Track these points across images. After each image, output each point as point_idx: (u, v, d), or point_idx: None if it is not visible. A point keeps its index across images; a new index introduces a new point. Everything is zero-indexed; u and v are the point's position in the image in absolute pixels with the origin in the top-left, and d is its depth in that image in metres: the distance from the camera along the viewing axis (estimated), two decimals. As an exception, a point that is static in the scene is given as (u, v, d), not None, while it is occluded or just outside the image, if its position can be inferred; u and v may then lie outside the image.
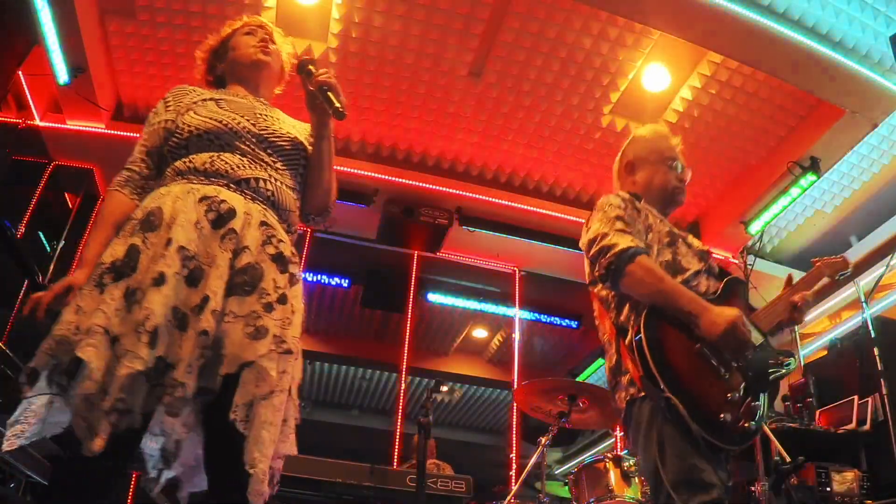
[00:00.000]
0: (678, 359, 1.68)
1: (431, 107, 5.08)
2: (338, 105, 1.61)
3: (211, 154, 1.58)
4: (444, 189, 5.45)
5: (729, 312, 1.69)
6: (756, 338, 1.76)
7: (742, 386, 1.70)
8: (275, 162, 1.65)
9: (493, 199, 5.54)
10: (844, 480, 3.66)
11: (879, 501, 3.59)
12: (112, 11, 4.46)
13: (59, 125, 4.92)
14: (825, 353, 5.34)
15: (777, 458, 3.35)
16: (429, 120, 5.19)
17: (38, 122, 4.88)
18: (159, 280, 1.35)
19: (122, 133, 4.99)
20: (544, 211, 5.59)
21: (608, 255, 1.79)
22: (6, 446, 1.27)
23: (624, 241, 1.80)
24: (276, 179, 1.62)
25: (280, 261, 1.51)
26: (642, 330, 1.71)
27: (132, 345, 1.29)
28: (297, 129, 1.77)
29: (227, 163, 1.57)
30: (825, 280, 2.03)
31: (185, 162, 1.59)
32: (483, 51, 4.67)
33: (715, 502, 1.58)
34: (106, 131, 4.97)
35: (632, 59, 4.64)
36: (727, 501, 1.63)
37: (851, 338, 4.80)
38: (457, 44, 4.60)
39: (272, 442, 1.37)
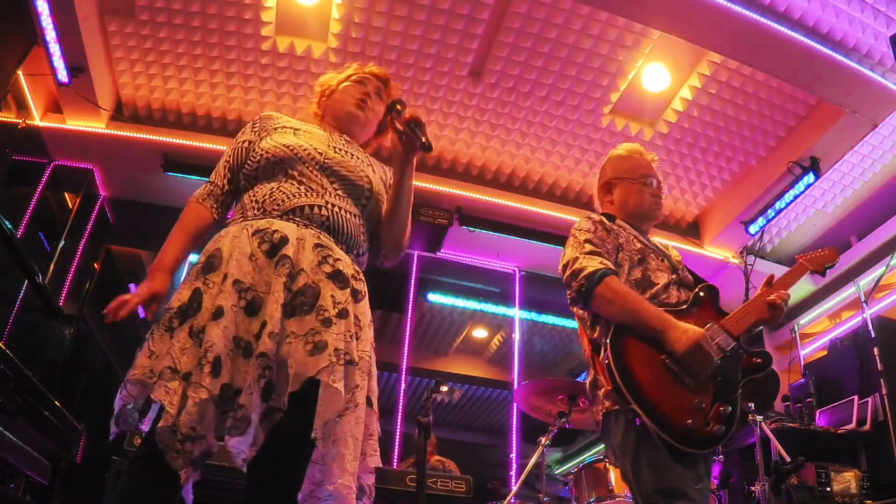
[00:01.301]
0: (644, 372, 1.76)
1: (431, 107, 5.09)
2: (424, 140, 1.71)
3: (272, 186, 1.65)
4: (444, 189, 5.45)
5: (693, 331, 1.77)
6: (726, 343, 1.82)
7: (711, 392, 1.76)
8: (336, 189, 1.70)
9: (493, 199, 5.54)
10: (844, 480, 3.67)
11: (879, 501, 3.59)
12: (112, 11, 4.46)
13: (59, 125, 4.92)
14: (825, 353, 5.34)
15: (777, 458, 3.35)
16: (429, 120, 5.19)
17: (37, 122, 4.88)
18: (217, 314, 1.44)
19: (121, 133, 4.99)
20: (544, 211, 5.59)
21: (578, 278, 1.89)
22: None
23: (592, 265, 1.89)
24: (332, 205, 1.66)
25: (338, 278, 1.56)
26: (608, 346, 1.79)
27: (197, 377, 1.38)
28: (374, 167, 1.84)
29: (284, 193, 1.64)
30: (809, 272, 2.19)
31: (249, 196, 1.67)
32: (483, 51, 4.68)
33: None
34: (106, 131, 4.96)
35: (632, 59, 4.64)
36: None
37: (851, 338, 4.81)
38: (457, 44, 4.60)
39: (354, 458, 1.44)
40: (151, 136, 5.00)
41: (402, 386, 5.92)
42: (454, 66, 4.76)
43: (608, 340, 1.80)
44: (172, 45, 4.66)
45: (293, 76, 4.88)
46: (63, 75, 4.40)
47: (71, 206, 5.32)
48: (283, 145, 1.71)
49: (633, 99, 4.95)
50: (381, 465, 1.56)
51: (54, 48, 4.22)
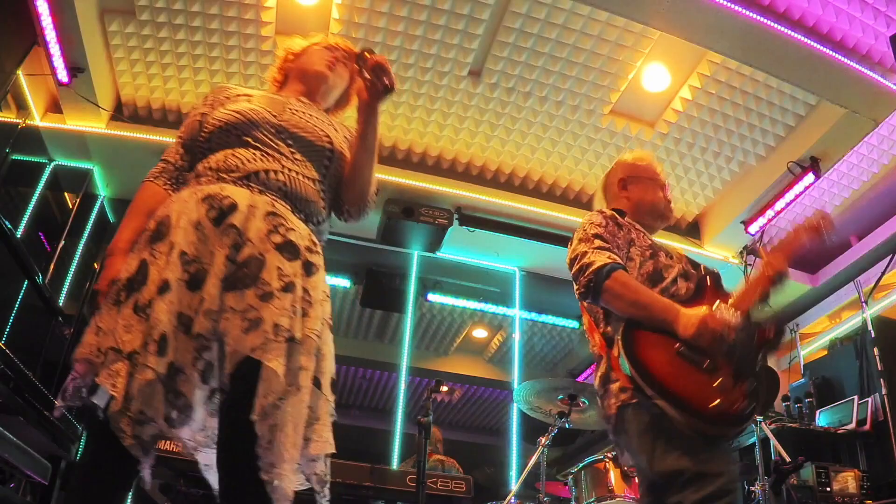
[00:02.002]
0: (661, 363, 1.75)
1: (431, 107, 5.08)
2: (388, 82, 1.68)
3: (226, 152, 1.60)
4: (444, 189, 5.45)
5: (697, 312, 1.77)
6: (735, 320, 1.82)
7: (730, 371, 1.75)
8: (293, 153, 1.64)
9: (493, 199, 5.53)
10: (844, 480, 3.66)
11: (879, 501, 3.59)
12: (112, 11, 4.46)
13: (59, 125, 4.92)
14: (825, 353, 5.35)
15: (777, 458, 3.35)
16: (429, 120, 5.19)
17: (37, 122, 4.88)
18: (164, 288, 1.37)
19: (122, 133, 4.99)
20: (544, 211, 5.58)
21: (587, 272, 1.88)
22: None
23: (601, 259, 1.88)
24: (290, 170, 1.61)
25: (288, 249, 1.47)
26: (620, 341, 1.78)
27: (142, 357, 1.31)
28: (335, 127, 1.79)
29: (238, 158, 1.58)
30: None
31: (203, 164, 1.62)
32: (483, 51, 4.68)
33: (722, 490, 1.60)
34: (106, 131, 4.96)
35: (632, 59, 4.64)
36: (735, 488, 1.64)
37: (851, 338, 4.81)
38: (457, 44, 4.60)
39: (294, 444, 1.34)
40: (151, 136, 4.99)
41: (402, 386, 5.92)
42: (454, 66, 4.76)
43: (620, 336, 1.79)
44: (173, 44, 4.66)
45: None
46: (63, 75, 4.40)
47: (71, 206, 5.32)
48: (235, 111, 1.65)
49: (633, 99, 4.95)
50: (333, 452, 1.46)
51: (54, 48, 4.22)
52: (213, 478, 1.42)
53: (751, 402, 1.72)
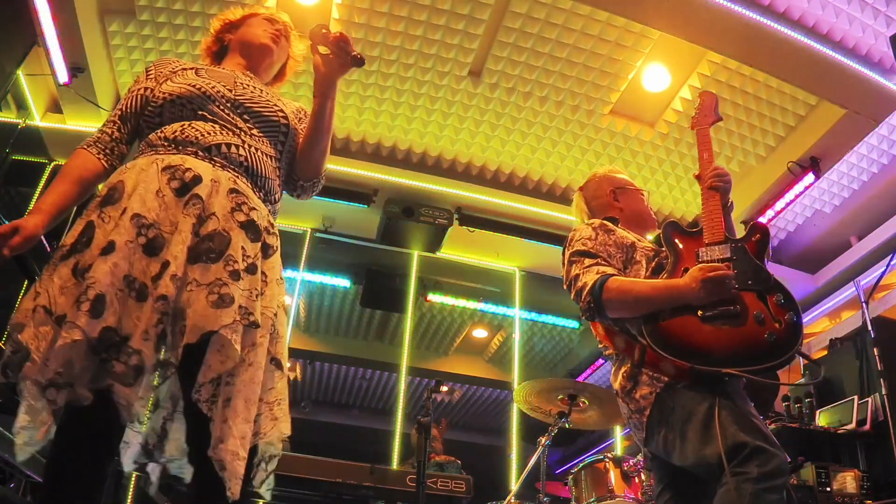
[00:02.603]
0: (698, 336, 1.73)
1: (431, 107, 5.09)
2: (356, 53, 1.63)
3: (182, 123, 1.55)
4: (444, 189, 5.45)
5: (690, 275, 1.77)
6: (722, 251, 1.86)
7: (754, 297, 1.75)
8: (250, 129, 1.61)
9: (493, 199, 5.54)
10: (844, 480, 3.66)
11: (879, 501, 3.59)
12: (112, 11, 4.46)
13: (59, 125, 4.92)
14: (825, 353, 5.34)
15: (777, 458, 3.34)
16: (429, 120, 5.19)
17: (38, 122, 4.88)
18: (107, 248, 1.30)
19: (122, 133, 4.99)
20: (544, 211, 5.59)
21: (584, 296, 1.88)
22: (21, 457, 1.25)
23: (590, 278, 1.88)
24: (249, 146, 1.58)
25: (251, 228, 1.45)
26: (649, 339, 1.76)
27: (72, 316, 1.24)
28: (283, 101, 1.75)
29: (197, 130, 1.53)
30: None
31: (156, 134, 1.55)
32: (483, 51, 4.68)
33: (781, 468, 1.57)
34: (106, 131, 4.96)
35: (631, 59, 4.64)
36: (788, 469, 1.63)
37: (851, 338, 4.80)
38: (457, 44, 4.61)
39: (245, 420, 1.27)
40: (151, 136, 5.00)
41: (402, 386, 5.92)
42: (454, 66, 4.76)
43: (647, 338, 1.76)
44: (173, 44, 4.66)
45: (293, 76, 4.87)
46: (63, 75, 4.40)
47: (71, 206, 5.31)
48: (189, 84, 1.60)
49: (633, 99, 4.95)
50: (287, 434, 1.39)
51: (54, 48, 4.22)
52: (126, 456, 1.41)
53: (793, 311, 1.70)
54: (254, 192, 1.54)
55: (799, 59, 4.17)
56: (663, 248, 2.05)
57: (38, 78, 4.61)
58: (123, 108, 1.67)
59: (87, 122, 4.92)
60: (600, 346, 2.07)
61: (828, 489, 3.61)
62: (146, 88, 1.67)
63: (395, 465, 5.18)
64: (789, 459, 1.67)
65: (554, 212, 5.58)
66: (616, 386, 1.95)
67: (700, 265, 1.79)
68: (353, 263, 6.27)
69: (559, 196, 5.73)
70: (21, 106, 4.77)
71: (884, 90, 4.31)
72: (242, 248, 1.40)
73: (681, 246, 1.94)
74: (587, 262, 1.95)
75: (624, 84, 4.82)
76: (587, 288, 1.87)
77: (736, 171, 5.40)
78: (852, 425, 4.12)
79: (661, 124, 5.12)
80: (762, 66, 4.37)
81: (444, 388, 3.40)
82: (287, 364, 1.48)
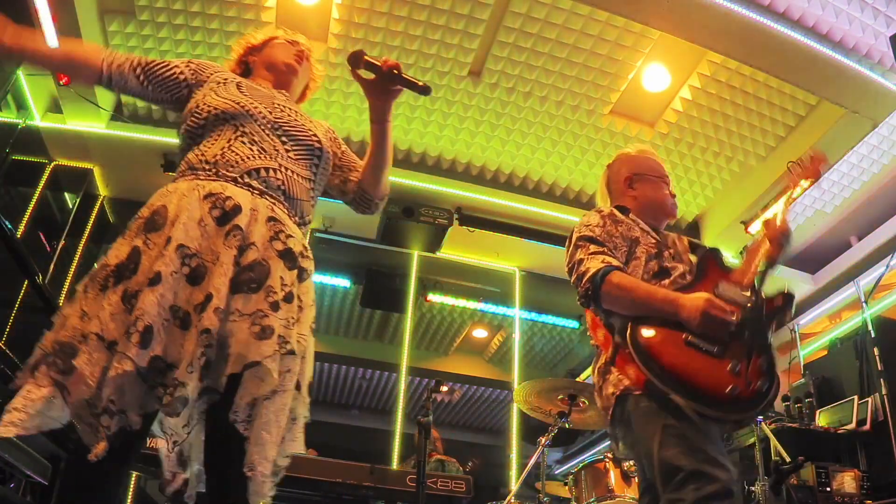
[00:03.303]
0: (671, 355, 1.71)
1: (431, 107, 5.09)
2: (421, 82, 1.65)
3: (222, 146, 1.57)
4: (444, 189, 5.45)
5: (698, 298, 1.74)
6: (740, 297, 1.80)
7: (742, 350, 1.72)
8: (288, 151, 1.64)
9: (493, 199, 5.54)
10: (844, 480, 3.66)
11: (879, 501, 3.59)
12: (112, 11, 4.46)
13: (59, 125, 4.92)
14: (825, 353, 5.35)
15: (777, 458, 3.35)
16: (429, 120, 5.19)
17: (37, 122, 4.88)
18: (155, 280, 1.34)
19: (121, 133, 4.99)
20: (544, 211, 5.59)
21: (584, 281, 1.87)
22: (2, 431, 1.25)
23: (595, 265, 1.87)
24: (287, 169, 1.61)
25: (288, 257, 1.49)
26: (629, 340, 1.75)
27: (123, 346, 1.28)
28: (314, 124, 1.77)
29: (237, 154, 1.56)
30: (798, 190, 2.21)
31: (196, 154, 1.59)
32: (483, 51, 4.68)
33: (722, 492, 1.57)
34: (105, 131, 4.96)
35: (631, 59, 4.64)
36: (735, 490, 1.62)
37: (851, 338, 4.81)
38: (457, 44, 4.61)
39: (275, 443, 1.35)
40: (151, 136, 5.00)
41: (402, 386, 5.92)
42: (454, 65, 4.76)
43: (627, 335, 1.76)
44: (173, 44, 4.66)
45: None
46: (63, 75, 4.40)
47: (71, 206, 5.32)
48: (233, 101, 1.63)
49: (633, 99, 4.95)
50: (302, 452, 1.49)
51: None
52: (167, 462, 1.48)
53: (767, 380, 1.69)
54: (289, 216, 1.58)
55: (799, 59, 4.17)
56: (668, 247, 2.04)
57: (38, 78, 4.61)
58: (157, 71, 1.70)
59: (86, 122, 4.92)
60: (590, 339, 2.06)
61: (828, 489, 3.61)
62: (188, 82, 1.72)
63: (395, 465, 5.18)
64: (736, 479, 1.66)
65: (554, 212, 5.58)
66: (594, 378, 1.96)
67: (711, 297, 1.76)
68: (353, 263, 6.27)
69: (559, 196, 5.73)
70: (21, 106, 4.77)
71: (884, 90, 4.31)
72: (281, 277, 1.45)
73: (708, 272, 1.92)
74: (592, 248, 1.92)
75: (624, 84, 4.82)
76: (589, 274, 1.85)
77: (736, 171, 5.40)
78: (852, 425, 4.12)
79: (661, 124, 5.12)
80: (762, 65, 4.37)
81: (444, 388, 3.40)
82: (307, 384, 1.52)
